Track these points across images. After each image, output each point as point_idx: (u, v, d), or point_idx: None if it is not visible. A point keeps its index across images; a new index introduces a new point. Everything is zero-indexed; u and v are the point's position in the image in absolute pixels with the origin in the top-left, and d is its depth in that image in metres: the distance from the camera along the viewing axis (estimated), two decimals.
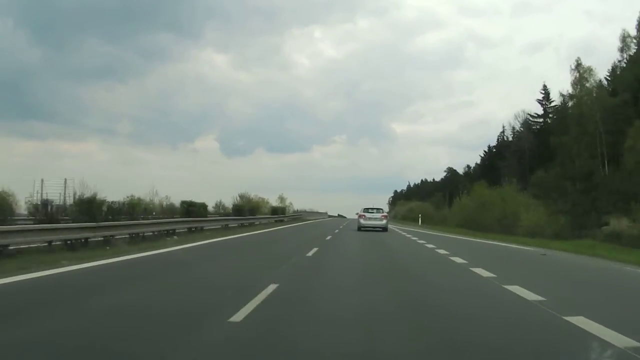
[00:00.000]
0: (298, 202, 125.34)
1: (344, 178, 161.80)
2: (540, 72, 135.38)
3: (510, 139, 65.53)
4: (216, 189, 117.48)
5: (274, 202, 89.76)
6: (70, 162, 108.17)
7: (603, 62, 79.70)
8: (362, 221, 27.56)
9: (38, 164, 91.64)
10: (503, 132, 69.54)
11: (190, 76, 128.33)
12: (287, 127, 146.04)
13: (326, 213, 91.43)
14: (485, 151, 75.05)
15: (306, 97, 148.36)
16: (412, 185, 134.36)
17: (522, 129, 62.21)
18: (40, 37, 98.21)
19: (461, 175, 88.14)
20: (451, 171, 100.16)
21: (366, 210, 28.50)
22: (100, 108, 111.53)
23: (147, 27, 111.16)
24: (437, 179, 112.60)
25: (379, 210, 29.32)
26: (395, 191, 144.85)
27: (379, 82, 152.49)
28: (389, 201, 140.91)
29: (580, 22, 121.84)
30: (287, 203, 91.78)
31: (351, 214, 54.59)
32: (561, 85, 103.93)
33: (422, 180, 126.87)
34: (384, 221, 27.77)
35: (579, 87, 46.53)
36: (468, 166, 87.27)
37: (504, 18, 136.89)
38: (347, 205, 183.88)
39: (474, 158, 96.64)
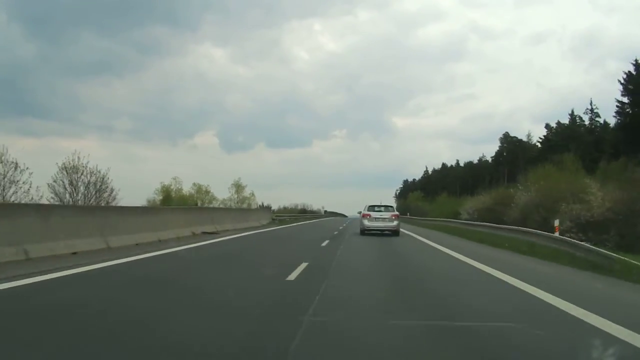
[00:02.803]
0: (298, 197, 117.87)
1: (344, 173, 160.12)
2: (542, 65, 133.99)
3: None
4: (217, 186, 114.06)
5: (227, 194, 61.47)
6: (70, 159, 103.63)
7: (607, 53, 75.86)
8: (366, 222, 22.25)
9: (37, 162, 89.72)
10: None
11: (189, 71, 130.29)
12: (287, 122, 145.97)
13: (272, 210, 46.80)
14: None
15: (306, 91, 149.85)
16: (430, 171, 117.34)
17: None
18: (35, 31, 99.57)
19: (529, 144, 67.54)
20: (509, 140, 76.36)
21: (372, 208, 22.90)
22: (98, 104, 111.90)
23: (144, 21, 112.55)
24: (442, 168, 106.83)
25: (387, 208, 23.67)
26: (406, 181, 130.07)
27: (380, 75, 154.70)
28: (395, 194, 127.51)
29: (584, 13, 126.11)
30: (247, 193, 63.80)
31: (352, 212, 42.85)
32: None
33: (442, 164, 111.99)
34: (395, 222, 22.31)
35: None
36: (548, 125, 64.30)
37: (506, 9, 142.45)
38: (348, 201, 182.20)
39: (474, 152, 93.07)
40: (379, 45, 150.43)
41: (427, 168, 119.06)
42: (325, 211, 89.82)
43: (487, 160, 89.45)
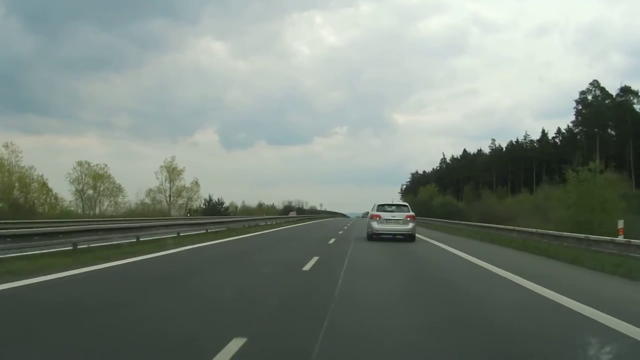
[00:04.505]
0: (298, 195, 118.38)
1: (345, 170, 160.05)
2: (545, 58, 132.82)
3: None
4: (216, 184, 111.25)
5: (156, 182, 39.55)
6: (70, 157, 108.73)
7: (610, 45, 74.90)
8: (376, 225, 19.33)
9: (37, 159, 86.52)
10: None
11: (188, 67, 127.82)
12: (287, 118, 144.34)
13: None
14: None
15: (306, 87, 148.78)
16: (448, 159, 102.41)
17: None
18: (32, 26, 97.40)
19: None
20: (587, 103, 52.81)
21: (382, 207, 19.91)
22: (98, 101, 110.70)
23: (143, 14, 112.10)
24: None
25: (400, 207, 20.36)
26: (415, 173, 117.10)
27: (381, 70, 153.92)
28: (401, 189, 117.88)
29: (587, 5, 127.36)
30: (188, 182, 42.58)
31: (353, 210, 33.36)
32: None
33: (464, 150, 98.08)
34: (410, 224, 19.20)
35: None
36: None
37: (509, 1, 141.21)
38: (348, 199, 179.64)
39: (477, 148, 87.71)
40: (380, 38, 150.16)
41: (444, 155, 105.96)
42: (299, 208, 67.89)
43: (532, 140, 79.83)
